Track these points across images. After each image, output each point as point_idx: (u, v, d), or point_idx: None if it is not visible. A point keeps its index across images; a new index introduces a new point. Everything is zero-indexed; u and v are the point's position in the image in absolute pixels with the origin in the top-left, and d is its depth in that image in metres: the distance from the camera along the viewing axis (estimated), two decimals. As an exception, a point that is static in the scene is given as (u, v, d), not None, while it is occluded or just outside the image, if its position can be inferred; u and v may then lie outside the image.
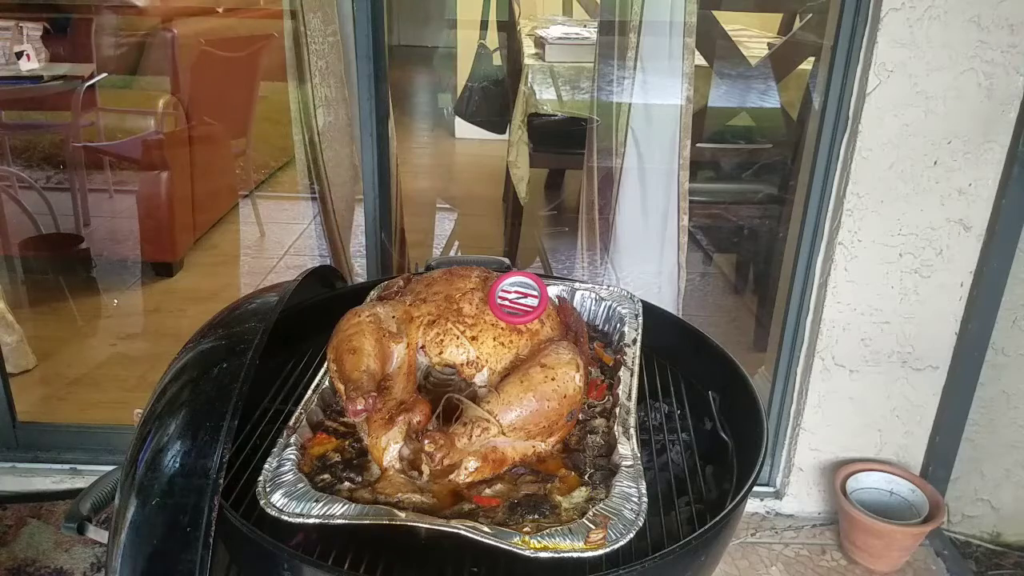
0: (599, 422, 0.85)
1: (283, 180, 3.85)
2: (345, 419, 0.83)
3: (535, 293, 0.90)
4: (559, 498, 0.73)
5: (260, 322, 0.84)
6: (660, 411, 0.97)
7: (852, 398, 1.81)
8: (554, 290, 1.05)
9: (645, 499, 0.71)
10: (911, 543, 1.78)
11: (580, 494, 0.74)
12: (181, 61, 2.81)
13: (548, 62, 2.73)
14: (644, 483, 0.72)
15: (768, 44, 2.93)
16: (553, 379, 0.78)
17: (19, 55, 2.85)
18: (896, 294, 1.71)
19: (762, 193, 2.59)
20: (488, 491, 0.74)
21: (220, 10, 3.19)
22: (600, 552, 0.65)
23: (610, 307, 1.06)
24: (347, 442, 0.81)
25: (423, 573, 0.71)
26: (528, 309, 0.89)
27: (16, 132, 3.46)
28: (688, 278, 2.01)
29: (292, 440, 0.77)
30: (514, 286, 0.91)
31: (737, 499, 0.76)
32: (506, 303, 0.89)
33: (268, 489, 0.71)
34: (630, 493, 0.71)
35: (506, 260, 1.10)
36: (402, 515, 0.68)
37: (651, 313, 1.05)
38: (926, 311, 1.72)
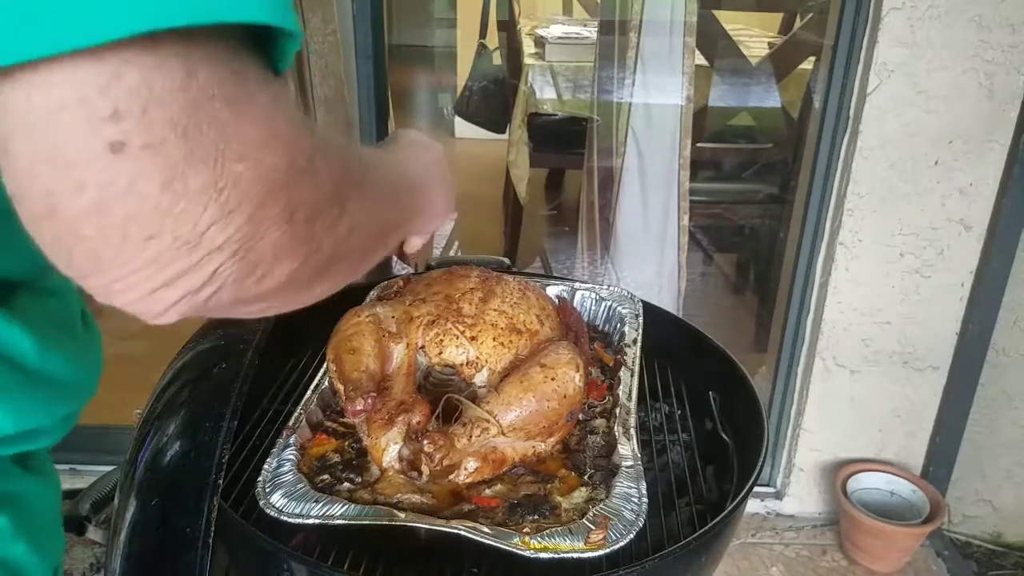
0: (599, 422, 0.84)
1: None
2: (345, 419, 0.82)
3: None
4: (559, 499, 0.73)
5: (260, 322, 0.84)
6: (660, 411, 0.96)
7: (853, 398, 1.81)
8: (554, 290, 1.05)
9: (645, 500, 0.70)
10: (912, 543, 1.77)
11: (580, 495, 0.74)
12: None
13: (548, 61, 2.73)
14: (644, 484, 0.72)
15: (769, 43, 2.94)
16: (553, 379, 0.78)
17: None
18: (897, 294, 1.71)
19: (763, 193, 2.59)
20: (488, 491, 0.74)
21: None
22: (600, 553, 0.65)
23: (610, 307, 1.06)
24: (347, 442, 0.80)
25: (423, 574, 0.71)
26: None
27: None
28: (688, 278, 2.01)
29: (291, 440, 0.77)
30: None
31: (738, 500, 0.76)
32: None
33: (267, 490, 0.71)
34: (630, 494, 0.71)
35: (506, 260, 1.10)
36: (402, 516, 0.68)
37: (651, 313, 1.05)
38: (927, 311, 1.72)
